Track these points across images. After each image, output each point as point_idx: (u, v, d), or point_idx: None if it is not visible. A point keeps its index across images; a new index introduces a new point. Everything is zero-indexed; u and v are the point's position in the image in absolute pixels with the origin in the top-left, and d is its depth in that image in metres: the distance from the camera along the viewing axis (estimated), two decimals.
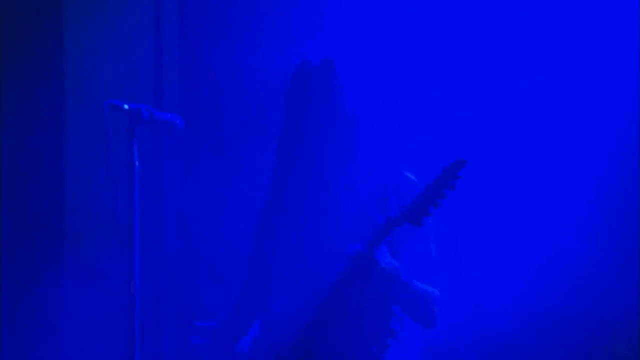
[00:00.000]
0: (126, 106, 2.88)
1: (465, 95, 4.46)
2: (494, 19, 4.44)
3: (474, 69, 4.47)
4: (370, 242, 2.67)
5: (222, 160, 4.61)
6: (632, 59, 4.32)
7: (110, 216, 2.89)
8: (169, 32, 4.61)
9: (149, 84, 4.53)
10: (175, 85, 4.62)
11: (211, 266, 4.58)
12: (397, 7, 4.48)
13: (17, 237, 4.39)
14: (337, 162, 2.93)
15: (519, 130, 4.40)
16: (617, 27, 4.36)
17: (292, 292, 2.94)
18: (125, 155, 2.85)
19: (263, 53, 4.57)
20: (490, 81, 4.45)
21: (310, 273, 2.90)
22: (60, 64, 4.43)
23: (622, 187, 4.41)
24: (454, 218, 4.26)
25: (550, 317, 4.52)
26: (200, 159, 4.62)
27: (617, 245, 4.46)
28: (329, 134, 2.91)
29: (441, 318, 2.92)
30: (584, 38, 4.36)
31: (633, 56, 4.31)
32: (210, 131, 4.65)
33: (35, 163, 4.45)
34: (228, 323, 3.13)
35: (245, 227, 3.22)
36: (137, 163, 2.86)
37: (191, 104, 4.65)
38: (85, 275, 4.39)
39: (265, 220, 3.08)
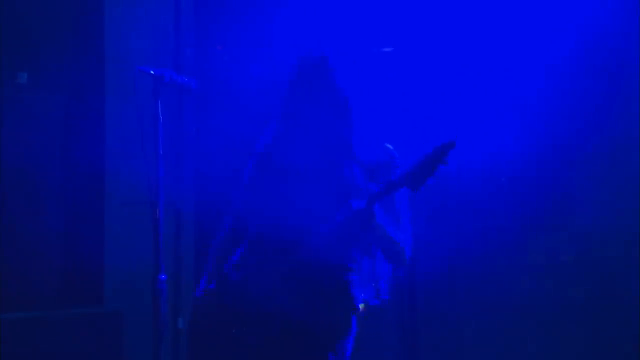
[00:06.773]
0: (152, 71, 3.17)
1: (464, 93, 4.53)
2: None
3: (472, 64, 4.51)
4: (371, 199, 2.93)
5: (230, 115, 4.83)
6: (632, 59, 4.29)
7: (141, 157, 3.17)
8: (187, 11, 4.91)
9: (170, 54, 4.85)
10: (191, 54, 4.93)
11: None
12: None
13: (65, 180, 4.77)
14: (335, 131, 3.10)
15: (521, 130, 4.43)
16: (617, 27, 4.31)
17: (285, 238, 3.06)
18: (152, 110, 3.13)
19: (266, 31, 4.83)
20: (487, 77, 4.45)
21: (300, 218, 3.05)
22: (101, 39, 4.75)
23: (622, 187, 4.42)
24: (463, 219, 4.38)
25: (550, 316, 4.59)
26: (211, 114, 4.85)
27: (618, 245, 4.47)
28: (328, 111, 3.08)
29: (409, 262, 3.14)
30: (583, 37, 4.35)
31: (633, 56, 4.28)
32: (219, 92, 4.92)
33: (81, 118, 4.82)
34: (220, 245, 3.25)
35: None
36: (160, 116, 3.15)
37: (204, 69, 4.94)
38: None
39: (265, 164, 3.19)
